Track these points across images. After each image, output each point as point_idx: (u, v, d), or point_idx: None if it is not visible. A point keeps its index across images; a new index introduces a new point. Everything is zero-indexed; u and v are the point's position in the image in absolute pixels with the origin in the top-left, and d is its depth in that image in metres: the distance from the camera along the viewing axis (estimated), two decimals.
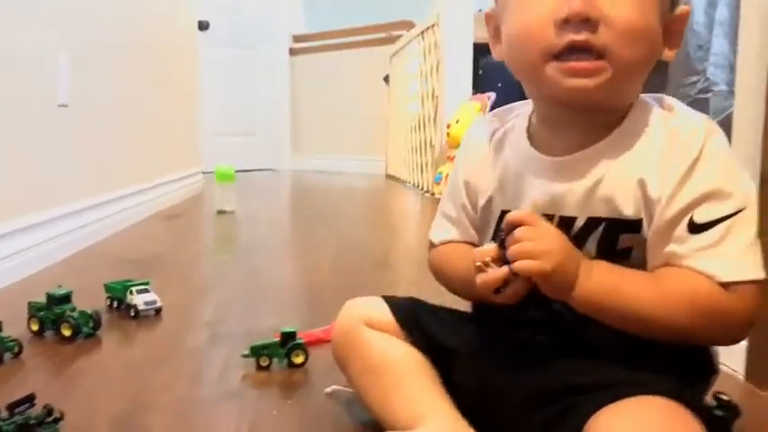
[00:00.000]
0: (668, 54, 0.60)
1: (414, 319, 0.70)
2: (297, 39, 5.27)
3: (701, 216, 0.54)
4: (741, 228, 0.54)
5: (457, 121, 2.88)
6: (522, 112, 0.67)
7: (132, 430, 0.72)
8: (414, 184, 3.63)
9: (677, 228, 0.54)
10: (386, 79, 4.54)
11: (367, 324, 0.71)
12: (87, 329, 1.04)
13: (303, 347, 0.92)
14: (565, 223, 0.59)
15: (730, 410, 0.70)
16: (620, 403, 0.51)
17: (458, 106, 3.01)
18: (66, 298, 1.06)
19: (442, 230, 0.73)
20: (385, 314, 0.71)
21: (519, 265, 0.55)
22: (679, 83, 1.87)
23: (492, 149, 0.67)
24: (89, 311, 1.05)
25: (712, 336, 0.56)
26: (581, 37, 0.54)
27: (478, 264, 0.57)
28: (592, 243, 0.58)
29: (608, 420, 0.50)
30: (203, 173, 3.70)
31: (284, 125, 5.27)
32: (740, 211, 0.54)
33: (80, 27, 1.89)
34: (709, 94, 1.84)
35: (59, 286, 1.09)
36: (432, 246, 0.74)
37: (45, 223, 1.58)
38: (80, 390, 0.85)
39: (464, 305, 0.72)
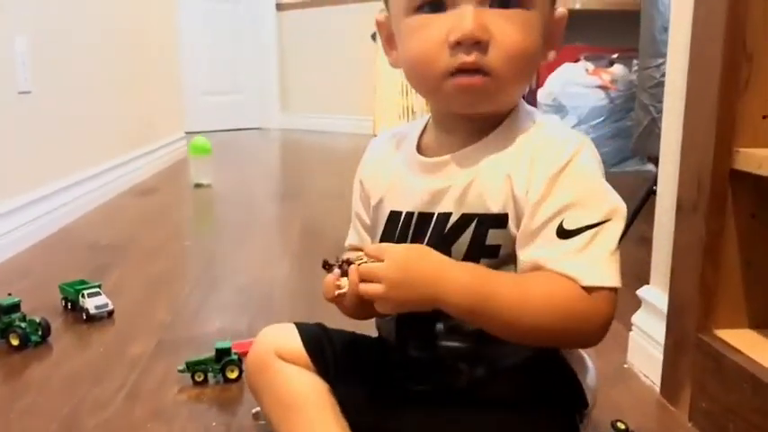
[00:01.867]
0: (550, 55, 0.63)
1: (321, 350, 0.73)
2: None
3: (569, 223, 0.57)
4: (605, 237, 0.57)
5: None
6: (424, 121, 0.70)
7: None
8: None
9: (546, 232, 0.57)
10: (373, 37, 4.45)
11: (278, 354, 0.73)
12: (36, 338, 1.07)
13: (237, 363, 0.95)
14: (441, 220, 0.62)
15: None
16: None
17: None
18: (15, 307, 1.09)
19: (350, 234, 0.77)
20: (296, 343, 0.73)
21: (361, 288, 0.58)
22: (645, 64, 1.85)
23: (387, 153, 0.71)
24: (37, 319, 1.08)
25: (571, 337, 0.59)
26: (471, 58, 0.57)
27: (338, 293, 0.60)
28: (465, 239, 0.61)
29: None
30: (189, 132, 3.70)
31: (272, 83, 5.21)
32: (605, 221, 0.57)
33: (37, 6, 1.86)
34: None
35: (9, 294, 1.12)
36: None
37: (9, 213, 1.61)
38: (19, 406, 0.89)
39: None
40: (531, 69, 0.61)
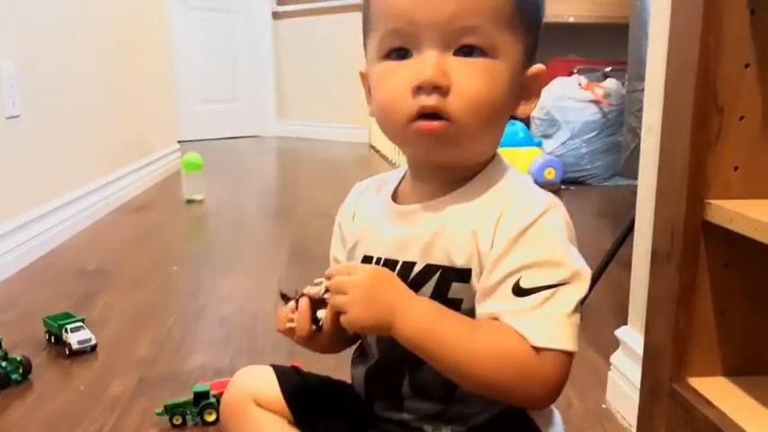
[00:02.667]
0: (524, 108, 0.63)
1: (299, 398, 0.73)
2: (281, 1, 5.15)
3: (526, 281, 0.57)
4: (561, 299, 0.56)
5: None
6: (405, 168, 0.70)
7: None
8: (397, 164, 3.62)
9: (503, 288, 0.57)
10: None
11: (255, 400, 0.73)
12: (17, 376, 1.07)
13: (215, 406, 0.95)
14: (405, 268, 0.63)
15: None
16: None
17: None
18: None
19: None
20: (273, 389, 0.73)
21: (332, 299, 0.60)
22: (632, 87, 1.85)
23: (367, 198, 0.72)
24: (18, 358, 1.09)
25: (518, 395, 0.58)
26: (431, 102, 0.57)
27: (289, 326, 0.62)
28: (428, 289, 0.61)
29: None
30: (185, 141, 3.71)
31: (268, 91, 5.22)
32: (564, 284, 0.57)
33: (24, 29, 1.86)
34: None
35: None
36: None
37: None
38: None
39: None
40: (496, 119, 0.61)
